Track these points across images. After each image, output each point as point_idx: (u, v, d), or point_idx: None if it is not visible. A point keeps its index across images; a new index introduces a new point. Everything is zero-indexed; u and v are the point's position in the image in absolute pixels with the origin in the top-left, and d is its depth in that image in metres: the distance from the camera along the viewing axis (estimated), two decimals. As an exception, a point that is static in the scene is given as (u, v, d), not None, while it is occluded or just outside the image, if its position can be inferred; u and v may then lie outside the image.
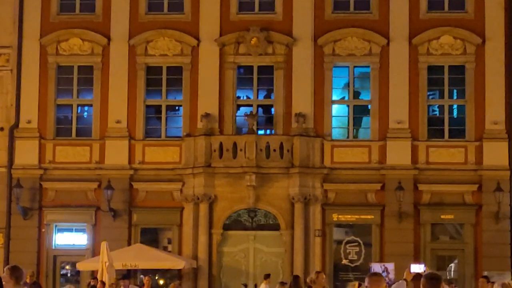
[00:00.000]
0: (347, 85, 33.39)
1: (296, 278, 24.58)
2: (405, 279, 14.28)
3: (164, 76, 33.50)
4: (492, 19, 32.49)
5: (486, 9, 32.57)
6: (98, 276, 27.98)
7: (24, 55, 33.43)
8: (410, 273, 14.86)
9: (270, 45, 32.98)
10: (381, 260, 31.48)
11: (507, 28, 32.41)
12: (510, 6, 32.39)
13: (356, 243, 32.68)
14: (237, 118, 33.28)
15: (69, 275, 33.75)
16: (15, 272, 11.39)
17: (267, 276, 29.27)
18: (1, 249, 32.75)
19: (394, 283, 19.60)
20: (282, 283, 22.91)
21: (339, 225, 32.97)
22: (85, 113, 34.25)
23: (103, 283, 26.93)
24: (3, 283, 12.49)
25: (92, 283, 27.80)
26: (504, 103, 32.26)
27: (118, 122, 33.04)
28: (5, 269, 13.59)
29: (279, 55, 32.99)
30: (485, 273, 30.77)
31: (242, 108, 33.54)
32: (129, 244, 32.28)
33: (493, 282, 26.75)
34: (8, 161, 33.07)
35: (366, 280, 10.33)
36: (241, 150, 31.81)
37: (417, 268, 20.73)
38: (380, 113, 32.66)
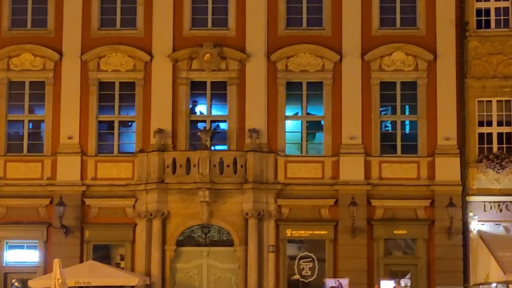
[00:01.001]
0: (300, 101, 33.38)
1: None
2: None
3: (116, 92, 33.40)
4: (443, 36, 32.75)
5: (438, 25, 32.88)
6: None
7: None
8: None
9: (223, 61, 33.02)
10: (335, 275, 31.44)
11: (458, 44, 32.65)
12: (461, 22, 32.68)
13: (310, 259, 32.52)
14: (190, 134, 33.19)
15: None
16: None
17: None
18: (-49, 267, 32.57)
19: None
20: None
21: (292, 240, 32.78)
22: (37, 129, 33.78)
23: None
24: None
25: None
26: (455, 119, 32.45)
27: (70, 138, 32.87)
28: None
29: (232, 71, 33.03)
30: None
31: (195, 124, 33.47)
32: (81, 261, 32.01)
33: None
34: (-42, 178, 32.97)
35: None
36: (194, 166, 31.74)
37: (387, 284, 20.73)
38: (333, 128, 32.73)
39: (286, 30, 33.22)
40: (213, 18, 33.48)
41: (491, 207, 31.96)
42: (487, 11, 32.93)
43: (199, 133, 32.52)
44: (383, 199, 32.25)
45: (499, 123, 32.57)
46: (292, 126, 33.50)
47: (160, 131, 32.46)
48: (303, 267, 32.45)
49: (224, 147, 33.18)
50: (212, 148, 32.78)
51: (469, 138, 32.35)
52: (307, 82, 33.15)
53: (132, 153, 33.00)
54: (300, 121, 33.42)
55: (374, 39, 32.91)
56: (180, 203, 32.05)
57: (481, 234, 31.70)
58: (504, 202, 31.97)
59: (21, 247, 33.21)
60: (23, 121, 33.63)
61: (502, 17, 32.90)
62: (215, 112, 33.73)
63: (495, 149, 32.29)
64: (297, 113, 33.55)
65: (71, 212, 32.27)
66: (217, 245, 32.45)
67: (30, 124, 33.85)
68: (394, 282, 29.87)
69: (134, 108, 33.29)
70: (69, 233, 32.31)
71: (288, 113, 33.29)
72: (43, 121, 33.46)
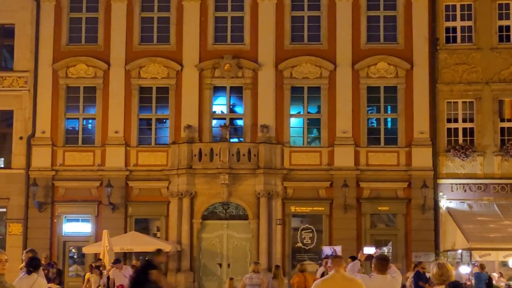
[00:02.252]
0: (302, 102, 33.43)
1: (277, 267, 24.18)
2: (359, 259, 13.76)
3: (154, 95, 33.45)
4: (418, 49, 32.77)
5: (414, 41, 32.87)
6: (101, 257, 28.27)
7: (39, 77, 33.42)
8: (363, 254, 14.53)
9: (240, 70, 33.10)
10: (330, 243, 31.30)
11: (430, 56, 32.68)
12: (433, 38, 32.73)
13: (310, 230, 32.75)
14: (213, 128, 33.30)
15: (75, 257, 33.69)
16: (33, 261, 11.87)
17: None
18: (20, 237, 32.70)
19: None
20: (256, 263, 22.59)
21: (296, 215, 32.94)
22: (89, 125, 34.10)
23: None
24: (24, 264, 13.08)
25: (96, 264, 27.52)
26: (428, 116, 32.45)
27: (116, 132, 33.09)
28: (24, 252, 14.16)
29: (247, 78, 33.13)
30: (414, 254, 31.29)
31: (217, 121, 33.52)
32: (125, 231, 32.23)
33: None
34: (26, 164, 33.07)
35: (329, 261, 10.32)
36: (216, 154, 31.92)
37: (369, 250, 20.60)
38: (329, 124, 32.78)
39: (291, 44, 33.29)
40: (231, 35, 33.50)
41: (457, 188, 32.06)
42: (454, 29, 32.97)
43: (220, 128, 32.75)
44: (369, 181, 32.31)
45: (464, 120, 32.57)
46: (295, 123, 33.56)
47: (189, 126, 32.65)
48: (305, 237, 32.68)
49: (241, 140, 33.30)
50: (231, 140, 32.89)
51: (440, 132, 32.41)
52: (308, 87, 33.16)
53: (166, 144, 33.07)
54: (302, 119, 33.51)
55: (362, 51, 32.94)
56: (205, 184, 32.24)
57: (449, 210, 31.78)
58: (467, 184, 32.04)
59: (77, 220, 33.44)
60: (78, 118, 33.84)
61: (466, 34, 32.89)
62: (233, 111, 33.87)
63: (460, 141, 32.34)
64: (299, 112, 33.58)
65: (117, 192, 32.53)
66: (234, 218, 32.65)
67: (84, 121, 34.04)
68: (375, 249, 30.01)
69: (168, 108, 33.33)
70: (115, 209, 32.63)
71: (292, 112, 33.34)
72: (94, 118, 33.60)
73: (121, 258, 29.18)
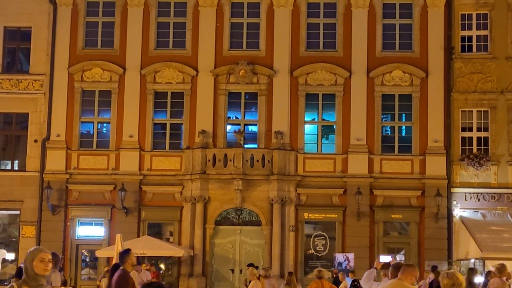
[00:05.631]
0: (317, 109, 33.50)
1: (290, 273, 24.19)
2: (375, 268, 13.81)
3: (168, 100, 33.60)
4: (434, 58, 32.81)
5: (429, 49, 32.90)
6: (114, 261, 28.44)
7: (55, 81, 33.56)
8: (379, 262, 14.26)
9: (255, 76, 33.18)
10: (343, 251, 31.61)
11: (445, 64, 32.73)
12: (449, 47, 32.77)
13: (323, 237, 32.78)
14: (227, 134, 33.40)
15: (88, 260, 33.79)
16: (54, 258, 11.73)
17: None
18: (34, 239, 32.66)
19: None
20: (265, 269, 22.35)
21: (308, 222, 33.00)
22: (104, 129, 34.25)
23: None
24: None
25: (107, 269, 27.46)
26: (443, 125, 32.49)
27: (131, 136, 33.19)
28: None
29: (262, 84, 33.20)
30: (427, 263, 31.32)
31: (231, 126, 33.64)
32: (138, 236, 32.29)
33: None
34: (40, 167, 33.19)
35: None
36: (230, 160, 31.99)
37: (385, 258, 20.63)
38: (343, 132, 32.80)
39: (306, 51, 33.36)
40: (247, 42, 33.63)
41: (471, 197, 32.05)
42: (470, 38, 32.97)
43: (234, 134, 32.87)
44: (383, 189, 32.35)
45: (478, 129, 32.58)
46: (310, 129, 33.60)
47: (203, 131, 32.74)
48: (317, 244, 32.72)
49: (255, 146, 33.22)
50: (245, 146, 32.88)
51: (454, 141, 32.44)
52: (323, 94, 33.21)
53: (180, 149, 33.17)
54: (316, 125, 33.55)
55: (377, 59, 32.99)
56: (218, 190, 32.31)
57: (462, 219, 31.77)
58: (481, 193, 32.03)
59: (90, 224, 33.60)
60: (93, 122, 34.02)
61: (482, 43, 32.88)
62: (247, 117, 33.86)
63: (474, 150, 32.32)
64: (314, 119, 33.63)
65: (130, 196, 32.65)
66: (247, 224, 32.70)
67: (99, 125, 34.25)
68: (391, 257, 30.06)
69: (183, 113, 33.46)
70: (128, 213, 32.71)
71: (307, 118, 33.40)
72: (109, 122, 33.76)
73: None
